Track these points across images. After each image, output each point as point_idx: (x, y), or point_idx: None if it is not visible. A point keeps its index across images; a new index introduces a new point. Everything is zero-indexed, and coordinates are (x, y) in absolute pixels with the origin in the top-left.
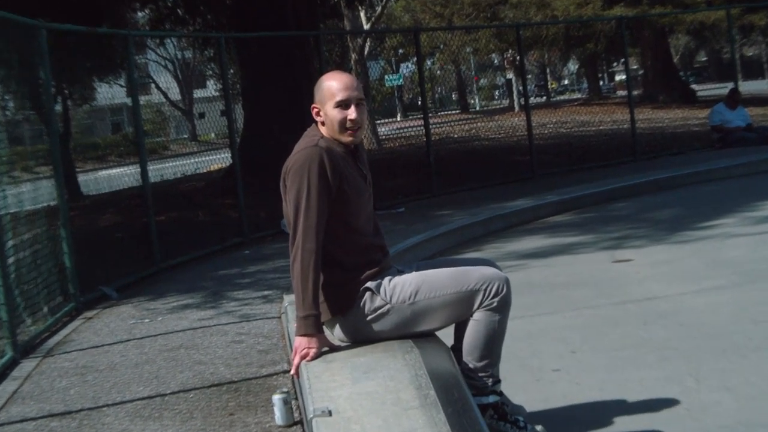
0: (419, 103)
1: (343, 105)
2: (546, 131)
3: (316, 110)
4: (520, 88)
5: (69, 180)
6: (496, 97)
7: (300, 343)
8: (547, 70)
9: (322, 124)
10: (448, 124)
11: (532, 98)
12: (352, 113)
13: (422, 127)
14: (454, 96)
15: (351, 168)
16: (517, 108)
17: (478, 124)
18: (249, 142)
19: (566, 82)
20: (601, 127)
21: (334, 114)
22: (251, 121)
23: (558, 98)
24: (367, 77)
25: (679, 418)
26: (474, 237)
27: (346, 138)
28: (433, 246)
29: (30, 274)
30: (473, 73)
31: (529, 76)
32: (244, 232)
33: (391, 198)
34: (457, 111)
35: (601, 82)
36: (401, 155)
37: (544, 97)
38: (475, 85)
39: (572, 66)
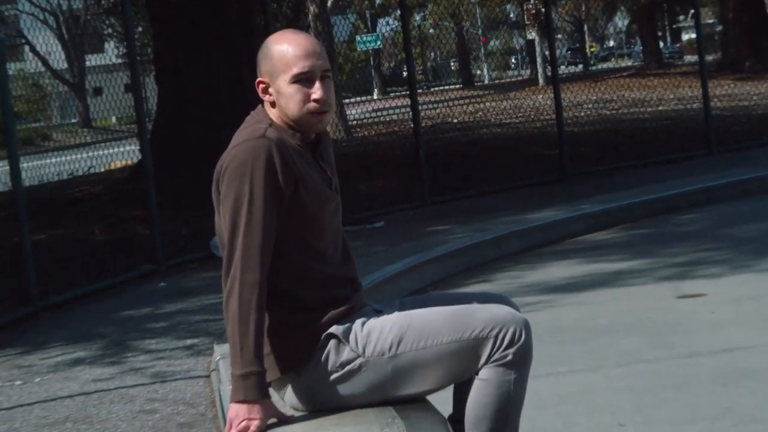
0: (404, 74)
1: (303, 79)
2: (583, 114)
3: (263, 86)
4: (547, 53)
5: None
6: (513, 67)
7: (237, 412)
8: (585, 28)
9: (273, 105)
10: (445, 104)
11: (563, 67)
12: (317, 91)
13: (409, 109)
14: (453, 65)
15: (311, 168)
16: (541, 81)
17: (487, 104)
18: (166, 130)
19: (612, 43)
20: (661, 108)
21: (291, 92)
22: (169, 101)
23: (600, 67)
24: (330, 38)
25: None
26: (481, 262)
27: (308, 125)
28: (424, 275)
29: None
30: (480, 32)
31: (559, 36)
32: (159, 256)
33: (366, 208)
34: (458, 86)
35: (661, 44)
36: (379, 148)
37: (581, 66)
38: (482, 50)
39: (620, 21)
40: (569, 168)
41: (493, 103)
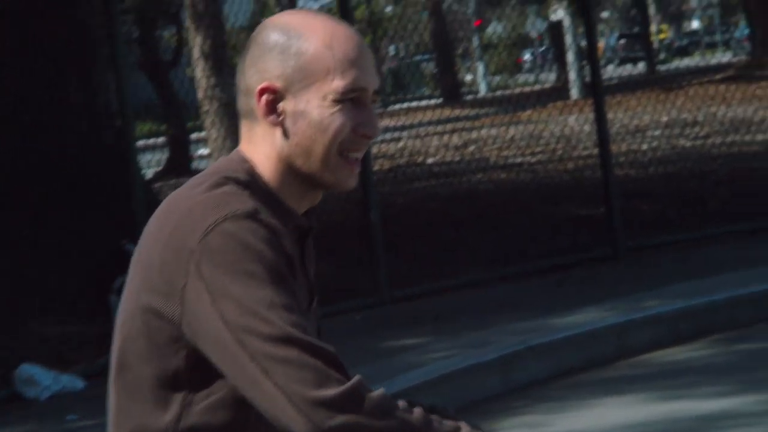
0: None
1: (350, 99)
2: (645, 146)
3: (268, 99)
4: (584, 43)
5: None
6: (526, 67)
7: None
8: (648, 1)
9: (285, 133)
10: (415, 131)
11: (611, 67)
12: (370, 120)
13: None
14: (426, 65)
15: (299, 270)
16: (575, 92)
17: (484, 131)
18: None
19: (695, 26)
20: None
21: (329, 116)
22: None
23: (675, 65)
24: (219, 24)
25: None
26: (478, 398)
27: (334, 177)
28: None
29: None
30: (471, 12)
31: (605, 15)
32: None
33: None
34: (435, 101)
35: None
36: None
37: (642, 64)
38: (476, 39)
39: None
40: (623, 238)
41: (494, 131)
